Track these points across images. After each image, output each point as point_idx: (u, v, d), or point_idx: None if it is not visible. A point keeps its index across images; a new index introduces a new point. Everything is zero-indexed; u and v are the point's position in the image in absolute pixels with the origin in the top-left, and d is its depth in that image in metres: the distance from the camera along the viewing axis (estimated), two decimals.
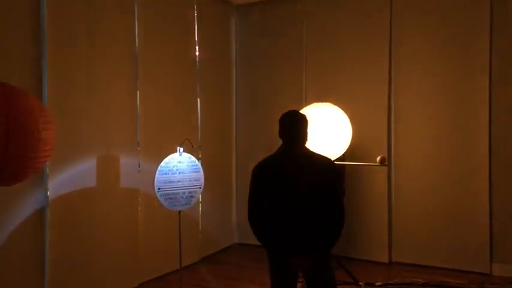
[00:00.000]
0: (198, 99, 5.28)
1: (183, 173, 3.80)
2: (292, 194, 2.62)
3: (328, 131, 4.30)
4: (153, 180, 3.69)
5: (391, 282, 4.44)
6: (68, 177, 3.84)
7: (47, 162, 3.40)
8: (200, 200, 3.87)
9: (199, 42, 5.26)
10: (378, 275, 4.65)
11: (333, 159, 3.70)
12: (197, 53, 5.25)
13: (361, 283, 4.40)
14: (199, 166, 3.88)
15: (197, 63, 5.26)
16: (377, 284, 4.40)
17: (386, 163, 4.44)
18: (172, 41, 4.93)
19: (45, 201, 3.66)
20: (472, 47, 4.69)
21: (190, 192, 3.83)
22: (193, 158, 3.86)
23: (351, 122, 4.50)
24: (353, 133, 4.49)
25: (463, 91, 4.74)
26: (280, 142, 2.78)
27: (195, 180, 3.86)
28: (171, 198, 3.74)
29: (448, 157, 4.82)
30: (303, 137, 2.73)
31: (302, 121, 2.74)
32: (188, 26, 5.18)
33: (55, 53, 3.69)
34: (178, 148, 3.81)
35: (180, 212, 3.82)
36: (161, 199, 3.71)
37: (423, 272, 4.69)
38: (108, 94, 4.18)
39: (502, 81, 4.58)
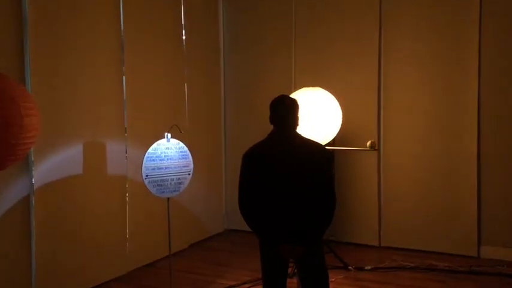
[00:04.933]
0: (186, 84, 5.20)
1: (171, 159, 3.74)
2: (283, 179, 2.61)
3: (318, 116, 4.26)
4: (141, 166, 3.63)
5: (380, 266, 4.46)
6: (53, 164, 3.77)
7: (31, 149, 3.33)
8: (189, 186, 3.83)
9: (187, 26, 5.16)
10: (368, 259, 4.67)
11: (323, 144, 3.67)
12: (184, 37, 5.15)
13: (350, 267, 4.42)
14: (188, 152, 3.82)
15: (184, 48, 5.17)
16: (366, 268, 4.43)
17: (376, 148, 4.42)
18: (159, 25, 4.83)
19: (30, 189, 3.59)
20: (462, 28, 4.67)
21: (179, 179, 3.77)
22: (181, 144, 3.80)
23: (341, 106, 4.46)
24: (343, 118, 4.47)
25: (453, 75, 4.73)
26: (270, 127, 2.75)
27: (183, 166, 3.80)
28: (159, 185, 3.68)
29: (438, 142, 4.82)
30: (294, 122, 2.71)
31: (293, 106, 2.72)
32: (175, 9, 5.07)
33: (38, 38, 3.58)
34: (166, 134, 3.74)
35: (168, 199, 3.77)
36: (149, 186, 3.65)
37: (412, 256, 4.72)
38: (93, 79, 4.09)
39: (491, 62, 4.58)
